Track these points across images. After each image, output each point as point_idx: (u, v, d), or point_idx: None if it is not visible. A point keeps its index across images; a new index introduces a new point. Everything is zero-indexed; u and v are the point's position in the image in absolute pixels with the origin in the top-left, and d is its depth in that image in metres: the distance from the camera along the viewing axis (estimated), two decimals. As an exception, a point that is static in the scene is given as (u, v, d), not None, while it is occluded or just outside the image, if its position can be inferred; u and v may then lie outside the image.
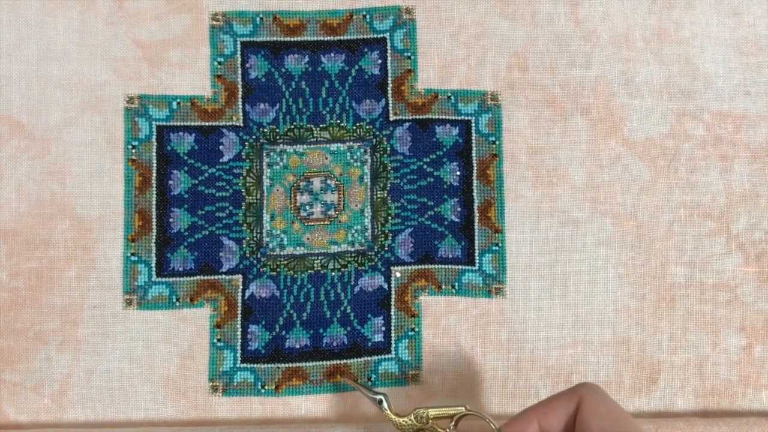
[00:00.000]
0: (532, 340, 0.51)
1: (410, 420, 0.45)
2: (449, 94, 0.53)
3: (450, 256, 0.52)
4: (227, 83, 0.52)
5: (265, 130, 0.52)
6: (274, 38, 0.53)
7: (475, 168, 0.52)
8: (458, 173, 0.52)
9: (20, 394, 0.50)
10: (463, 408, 0.44)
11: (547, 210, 0.52)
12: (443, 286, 0.51)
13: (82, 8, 0.52)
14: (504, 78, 0.53)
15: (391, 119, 0.53)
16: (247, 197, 0.52)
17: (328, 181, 0.52)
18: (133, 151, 0.52)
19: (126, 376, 0.50)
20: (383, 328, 0.51)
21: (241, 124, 0.52)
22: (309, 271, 0.51)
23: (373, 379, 0.51)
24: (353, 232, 0.52)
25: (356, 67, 0.53)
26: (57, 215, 0.51)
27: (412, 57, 0.53)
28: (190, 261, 0.51)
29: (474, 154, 0.53)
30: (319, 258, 0.52)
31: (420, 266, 0.52)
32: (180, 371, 0.50)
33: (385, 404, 0.46)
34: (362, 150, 0.52)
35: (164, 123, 0.52)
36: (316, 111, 0.53)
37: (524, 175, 0.52)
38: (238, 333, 0.51)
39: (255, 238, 0.51)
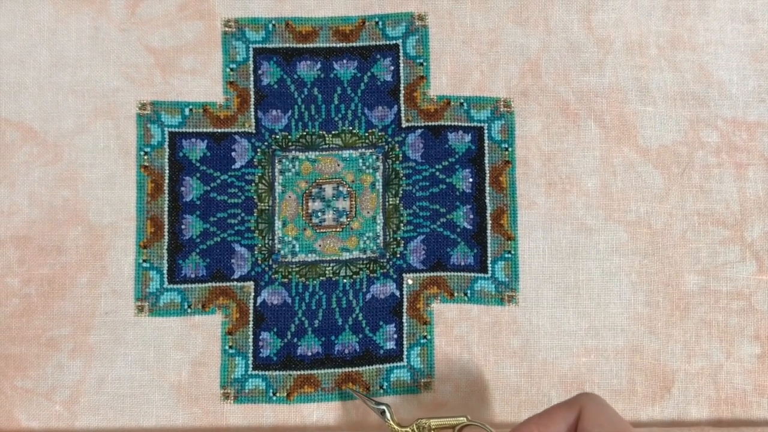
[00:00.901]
0: (544, 348, 0.51)
1: (412, 430, 0.45)
2: (462, 101, 0.53)
3: (462, 263, 0.52)
4: (239, 90, 0.52)
5: (278, 136, 0.52)
6: (287, 45, 0.53)
7: (487, 175, 0.52)
8: (471, 180, 0.52)
9: (32, 401, 0.50)
10: (465, 418, 0.44)
11: (560, 217, 0.52)
12: (455, 294, 0.51)
13: (94, 15, 0.52)
14: (517, 85, 0.53)
15: (404, 126, 0.52)
16: (259, 204, 0.52)
17: (340, 188, 0.52)
18: (146, 157, 0.52)
19: (137, 383, 0.50)
20: (395, 336, 0.51)
21: (254, 131, 0.52)
22: (321, 278, 0.51)
23: (385, 386, 0.50)
24: (365, 239, 0.52)
25: (368, 73, 0.53)
26: (69, 222, 0.51)
27: (425, 63, 0.53)
28: (201, 268, 0.51)
29: (487, 161, 0.52)
30: (331, 265, 0.51)
31: (432, 273, 0.51)
32: (191, 378, 0.50)
33: (387, 414, 0.46)
34: (374, 157, 0.52)
35: (176, 129, 0.52)
36: (328, 118, 0.52)
37: (537, 182, 0.52)
38: (250, 340, 0.51)
39: (267, 245, 0.51)
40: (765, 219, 0.52)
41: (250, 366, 0.50)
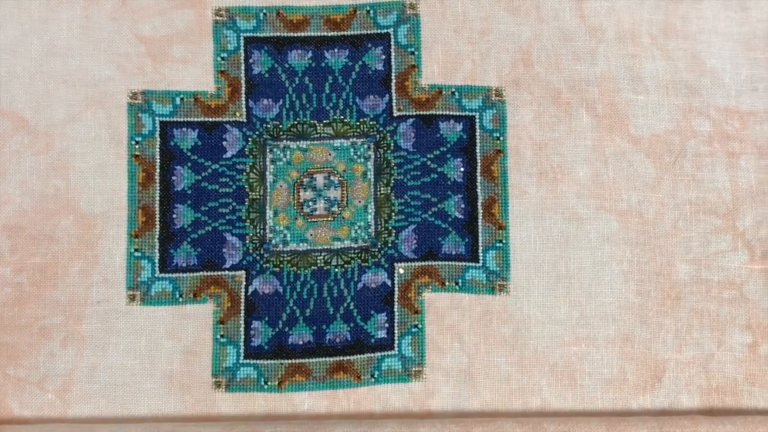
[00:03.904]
0: (535, 337, 0.51)
1: None
2: (453, 90, 0.52)
3: (453, 252, 0.52)
4: (230, 79, 0.52)
5: (269, 125, 0.52)
6: (278, 34, 0.53)
7: (479, 164, 0.52)
8: (462, 169, 0.52)
9: (24, 390, 0.50)
10: None
11: (551, 206, 0.52)
12: (447, 283, 0.51)
13: (85, 4, 0.52)
14: (508, 74, 0.52)
15: (395, 115, 0.52)
16: (250, 193, 0.52)
17: (332, 177, 0.52)
18: (137, 146, 0.52)
19: (129, 372, 0.50)
20: (386, 325, 0.51)
21: (245, 120, 0.52)
22: (312, 267, 0.51)
23: (376, 375, 0.51)
24: (356, 228, 0.52)
25: (360, 62, 0.53)
26: (61, 211, 0.51)
27: (416, 52, 0.53)
28: (193, 257, 0.51)
29: (478, 150, 0.52)
30: (323, 254, 0.51)
31: (423, 263, 0.51)
32: (183, 367, 0.50)
33: None
34: (366, 146, 0.52)
35: (167, 119, 0.52)
36: (319, 107, 0.52)
37: (528, 171, 0.52)
38: (241, 329, 0.51)
39: (258, 234, 0.51)
40: (757, 208, 0.52)
41: (242, 355, 0.51)
